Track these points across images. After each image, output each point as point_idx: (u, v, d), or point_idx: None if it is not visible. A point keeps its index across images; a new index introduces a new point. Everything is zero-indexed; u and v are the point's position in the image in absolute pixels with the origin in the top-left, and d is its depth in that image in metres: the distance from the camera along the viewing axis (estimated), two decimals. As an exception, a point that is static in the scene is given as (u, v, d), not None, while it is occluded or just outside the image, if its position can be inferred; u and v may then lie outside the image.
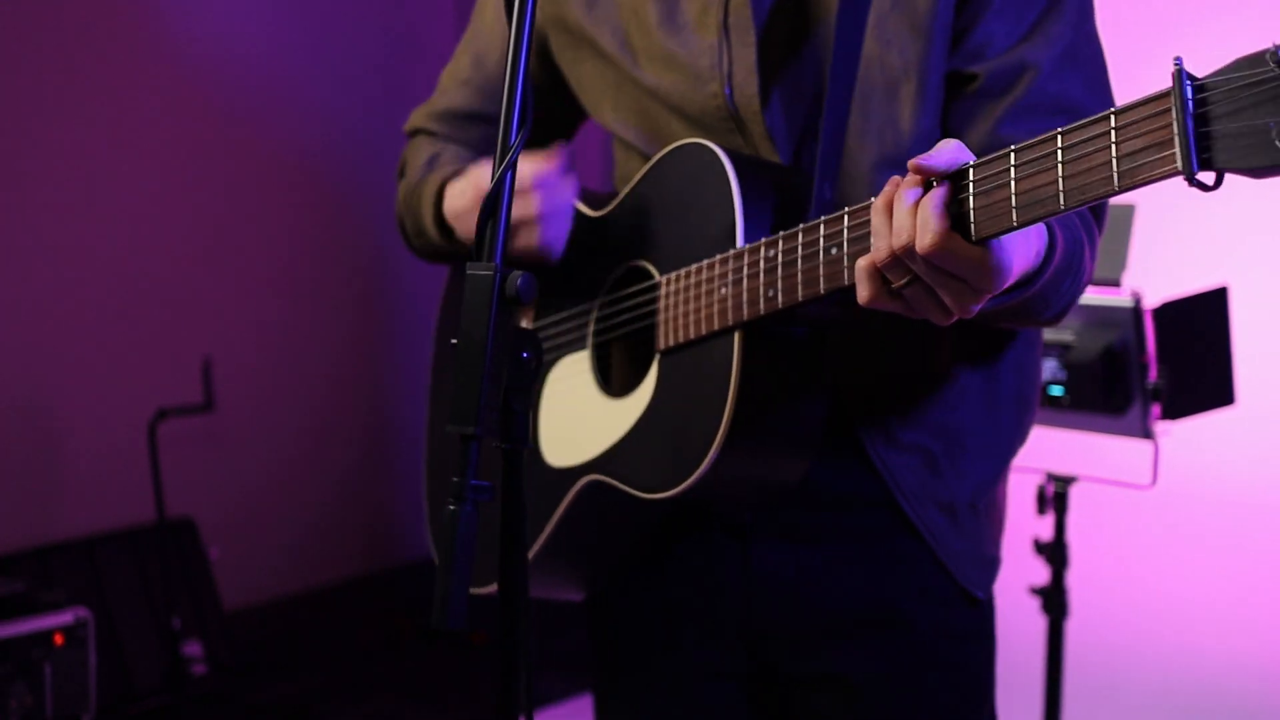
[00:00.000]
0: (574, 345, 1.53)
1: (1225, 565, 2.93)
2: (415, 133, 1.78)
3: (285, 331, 4.47)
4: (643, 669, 1.55)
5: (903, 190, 1.10)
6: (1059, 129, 1.02)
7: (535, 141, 1.69)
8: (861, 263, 1.14)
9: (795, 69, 1.40)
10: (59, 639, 3.14)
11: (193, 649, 3.74)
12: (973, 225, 1.07)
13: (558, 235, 1.48)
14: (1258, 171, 0.88)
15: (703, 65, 1.43)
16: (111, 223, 3.96)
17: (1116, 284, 2.25)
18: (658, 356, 1.40)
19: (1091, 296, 2.22)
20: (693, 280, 1.35)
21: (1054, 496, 2.42)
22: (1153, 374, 2.16)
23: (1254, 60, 0.88)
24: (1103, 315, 2.22)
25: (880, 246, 1.12)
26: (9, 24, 3.70)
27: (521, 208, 1.44)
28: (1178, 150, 0.91)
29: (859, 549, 1.43)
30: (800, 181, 1.38)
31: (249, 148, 4.34)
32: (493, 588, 1.42)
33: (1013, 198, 1.05)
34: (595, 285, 1.52)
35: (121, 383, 3.97)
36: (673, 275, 1.38)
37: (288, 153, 4.46)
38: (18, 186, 3.76)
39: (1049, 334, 2.23)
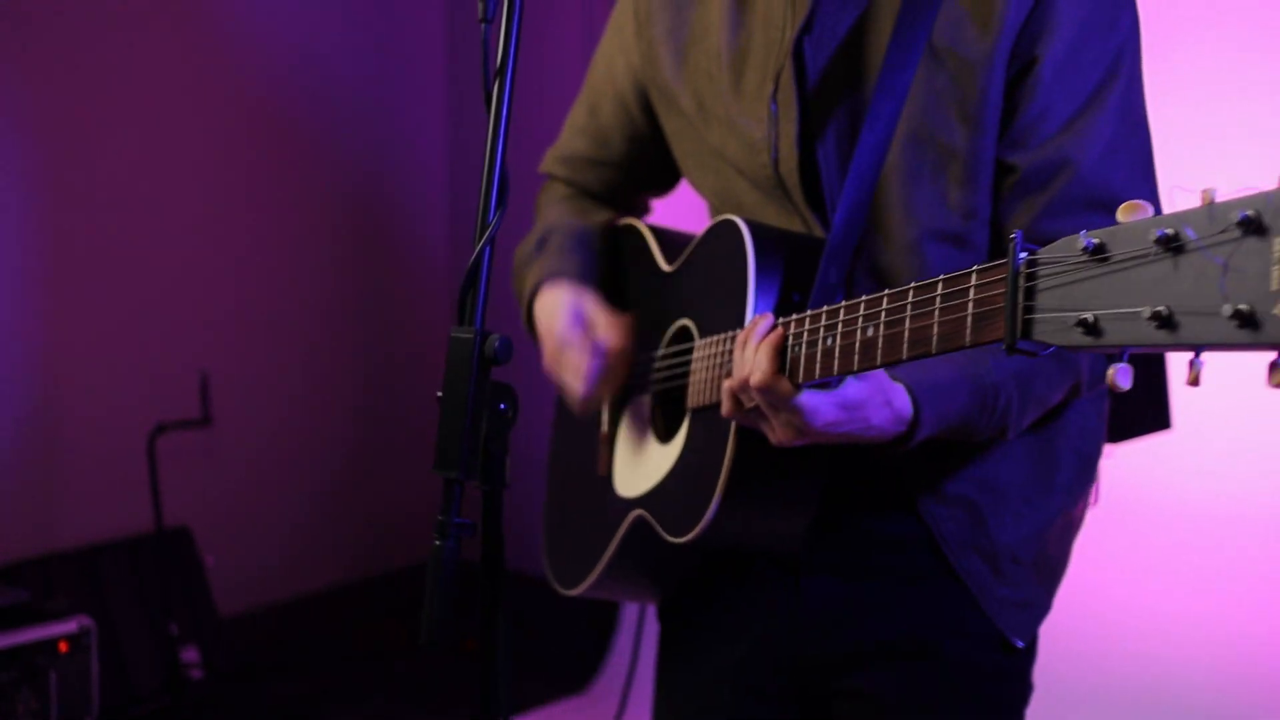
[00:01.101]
0: (643, 387, 1.68)
1: (1165, 575, 3.06)
2: (548, 177, 1.92)
3: (279, 347, 4.52)
4: (695, 675, 1.68)
5: (754, 328, 1.29)
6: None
7: (645, 184, 1.88)
8: (725, 384, 1.32)
9: (846, 141, 1.48)
10: (63, 646, 3.25)
11: (190, 654, 3.82)
12: (800, 371, 1.25)
13: (586, 395, 1.62)
14: (1067, 349, 0.97)
15: (756, 135, 1.54)
16: (112, 241, 4.02)
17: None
18: (689, 412, 1.53)
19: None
20: (713, 350, 1.47)
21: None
22: (1094, 401, 2.31)
23: (1068, 243, 0.97)
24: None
25: (733, 374, 1.31)
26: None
27: (575, 361, 1.60)
28: (1004, 321, 1.01)
29: (903, 588, 1.52)
30: (817, 255, 1.46)
31: (249, 169, 4.40)
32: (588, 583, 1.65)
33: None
34: (660, 333, 1.66)
35: (122, 397, 4.02)
36: (703, 341, 1.51)
37: (287, 172, 4.51)
38: (18, 204, 3.82)
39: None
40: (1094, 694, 3.15)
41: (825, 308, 1.25)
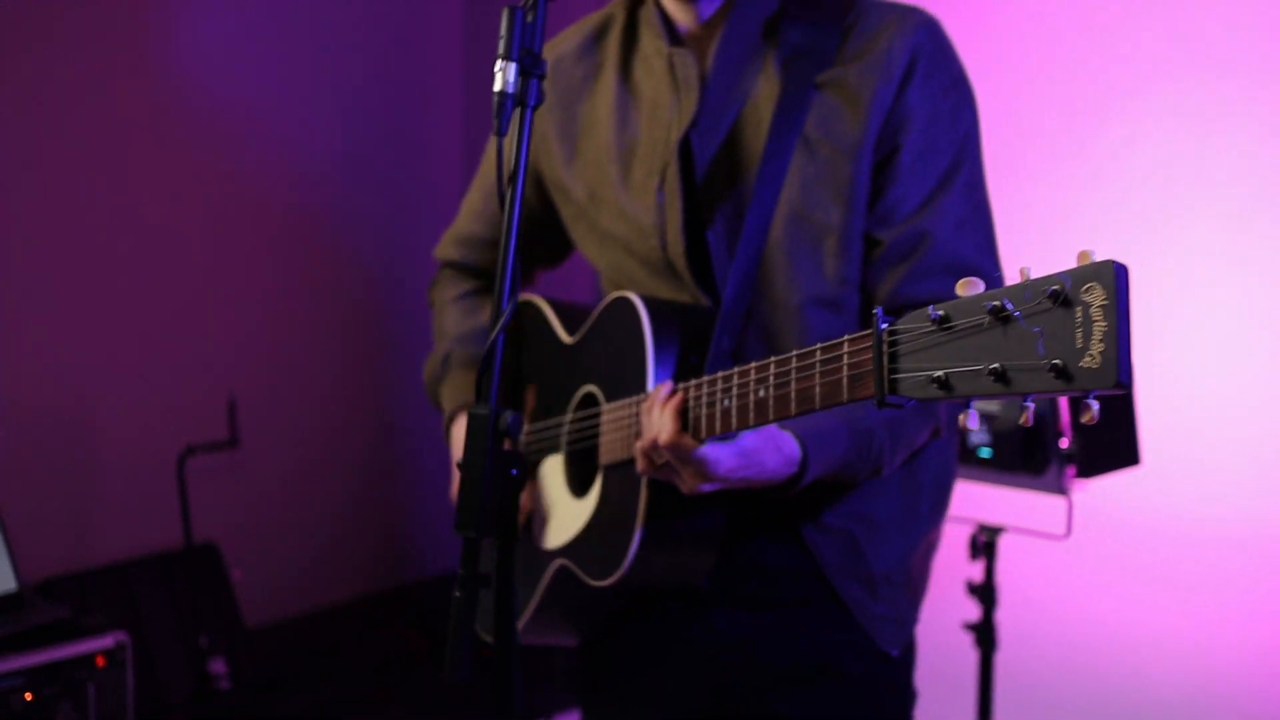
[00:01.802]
0: (554, 448, 1.80)
1: (1130, 601, 3.22)
2: (444, 264, 2.06)
3: (301, 371, 4.64)
4: (621, 709, 1.81)
5: (657, 395, 1.45)
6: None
7: (537, 260, 2.01)
8: (637, 444, 1.48)
9: (729, 225, 1.64)
10: (101, 661, 3.39)
11: (218, 666, 3.91)
12: (703, 428, 1.42)
13: None
14: (926, 401, 1.14)
15: (645, 222, 1.69)
16: (144, 274, 4.15)
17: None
18: (602, 469, 1.66)
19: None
20: (619, 414, 1.61)
21: (984, 544, 2.70)
22: (1064, 441, 2.47)
23: (920, 315, 1.13)
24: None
25: (643, 435, 1.47)
26: (25, 67, 3.88)
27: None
28: (874, 381, 1.18)
29: (796, 615, 1.68)
30: (710, 325, 1.61)
31: (269, 200, 4.52)
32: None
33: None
34: (566, 399, 1.78)
35: (153, 420, 4.14)
36: (609, 405, 1.64)
37: (305, 205, 4.64)
38: (53, 238, 3.94)
39: (980, 404, 2.53)
40: (1079, 713, 3.30)
41: (720, 373, 1.41)
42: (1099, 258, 1.01)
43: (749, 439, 1.44)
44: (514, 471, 1.44)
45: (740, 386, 1.37)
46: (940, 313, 1.11)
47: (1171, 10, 3.22)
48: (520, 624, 1.82)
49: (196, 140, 4.30)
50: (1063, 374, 1.00)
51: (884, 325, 1.17)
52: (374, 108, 4.88)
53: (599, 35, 1.82)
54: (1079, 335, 1.00)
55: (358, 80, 4.82)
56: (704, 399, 1.42)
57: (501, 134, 1.40)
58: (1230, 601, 3.11)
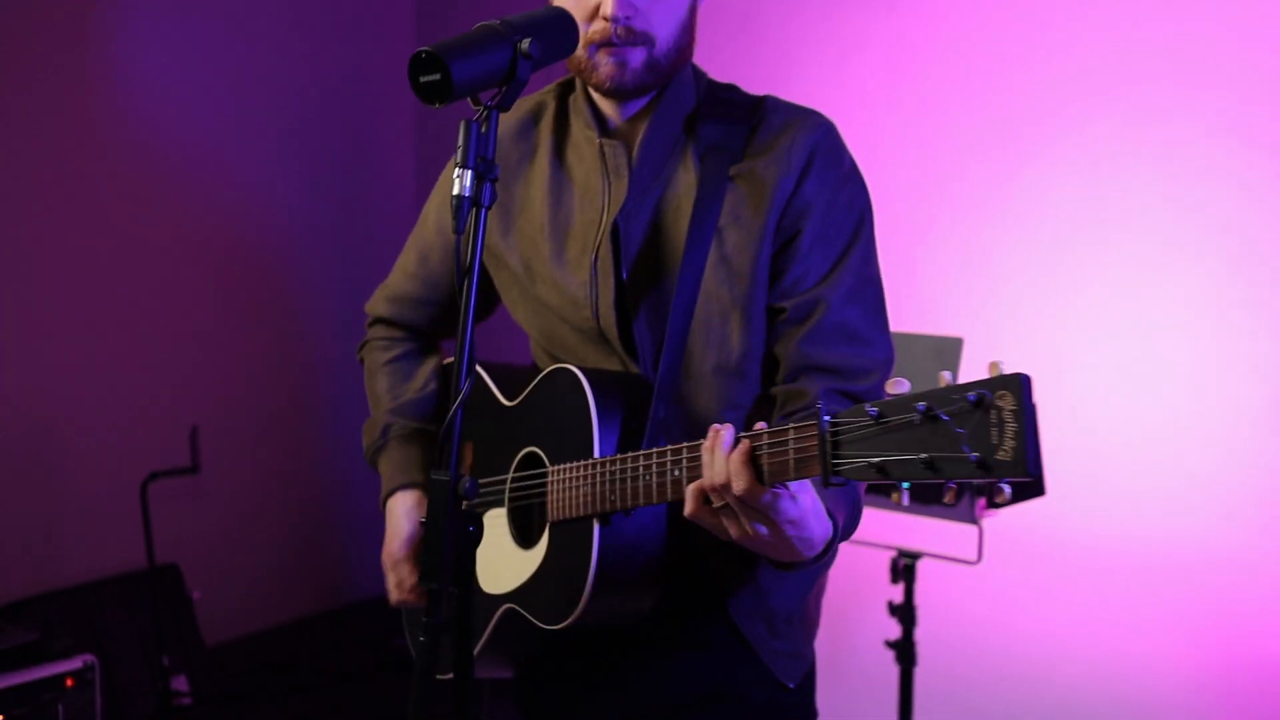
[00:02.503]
0: (498, 502, 1.95)
1: (1037, 617, 3.46)
2: (375, 321, 2.19)
3: (259, 399, 4.77)
4: None
5: (719, 437, 1.50)
6: (766, 429, 1.45)
7: (477, 309, 2.17)
8: (691, 487, 1.52)
9: (654, 300, 1.81)
10: (69, 682, 3.49)
11: (180, 683, 4.04)
12: (766, 475, 1.47)
13: (396, 604, 2.04)
14: (865, 481, 1.31)
15: (579, 295, 1.84)
16: (107, 306, 4.26)
17: (948, 402, 2.76)
18: (549, 524, 1.81)
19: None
20: (566, 476, 1.75)
21: (904, 569, 2.90)
22: (975, 477, 2.68)
23: (859, 410, 1.29)
24: (938, 427, 2.73)
25: (708, 476, 1.49)
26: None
27: (399, 578, 1.98)
28: (820, 465, 1.35)
29: (708, 650, 1.84)
30: (645, 392, 1.77)
31: (227, 235, 4.64)
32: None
33: (791, 459, 1.43)
34: (509, 459, 1.92)
35: (118, 449, 4.25)
36: (555, 468, 1.78)
37: (263, 239, 4.77)
38: (16, 270, 4.02)
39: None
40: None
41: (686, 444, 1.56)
42: (1006, 368, 1.21)
43: (807, 501, 1.51)
44: (471, 529, 1.62)
45: (774, 443, 1.46)
46: (876, 410, 1.29)
47: (1082, 50, 3.45)
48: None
49: (156, 174, 4.40)
50: (983, 465, 1.20)
51: (826, 419, 1.35)
52: (328, 138, 4.99)
53: (533, 120, 1.97)
54: (995, 433, 1.20)
55: (312, 111, 4.92)
56: (769, 448, 1.49)
57: (459, 233, 1.57)
58: (1129, 613, 3.35)
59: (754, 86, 1.91)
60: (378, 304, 2.20)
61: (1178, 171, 3.31)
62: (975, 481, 1.24)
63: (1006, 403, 1.19)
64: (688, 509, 1.56)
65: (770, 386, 1.82)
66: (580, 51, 1.79)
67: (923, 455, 1.25)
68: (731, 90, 1.89)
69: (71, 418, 4.21)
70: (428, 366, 2.14)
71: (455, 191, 1.58)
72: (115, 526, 4.21)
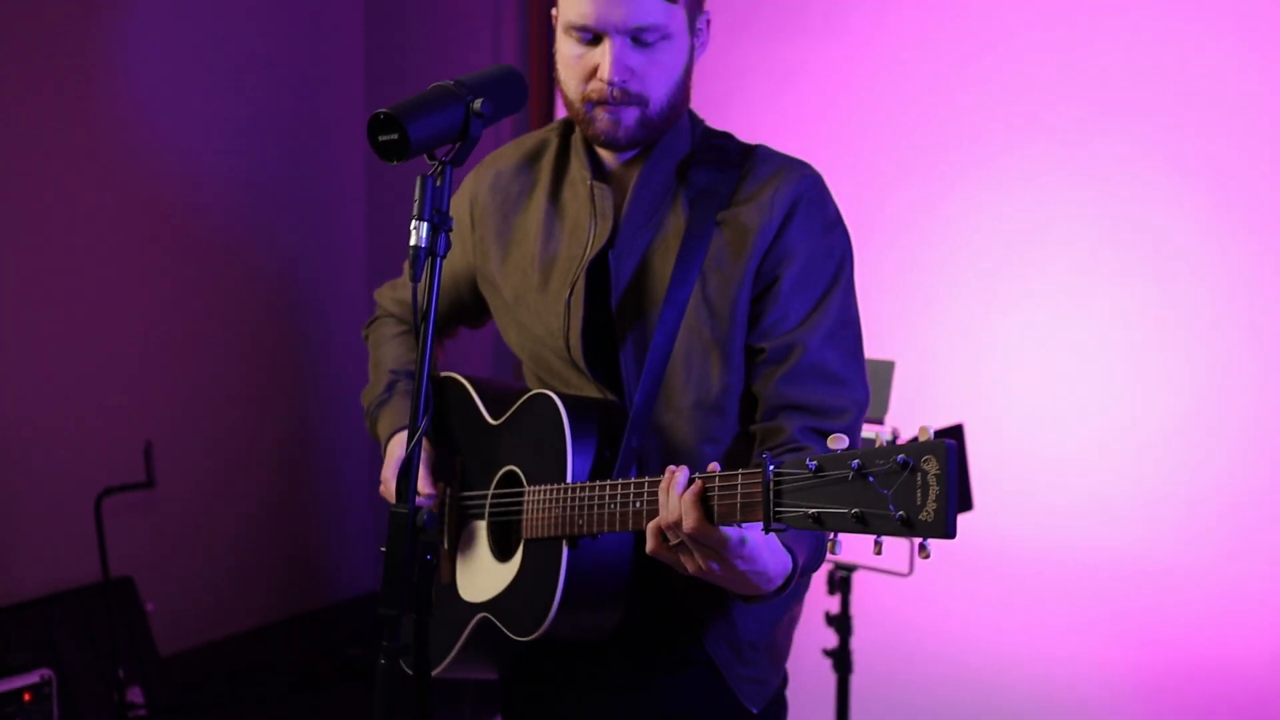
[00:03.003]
0: (479, 515, 2.06)
1: (967, 624, 3.61)
2: (382, 313, 2.30)
3: (213, 413, 4.82)
4: None
5: (674, 477, 1.60)
6: (717, 473, 1.55)
7: (459, 325, 2.28)
8: (650, 525, 1.62)
9: (639, 335, 1.90)
10: (27, 696, 3.56)
11: (135, 695, 4.08)
12: (716, 515, 1.57)
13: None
14: (802, 529, 1.42)
15: (555, 326, 1.95)
16: (65, 319, 4.30)
17: (880, 423, 2.90)
18: (524, 540, 1.91)
19: (863, 431, 2.87)
20: (540, 497, 1.85)
21: (840, 581, 3.04)
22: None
23: (799, 462, 1.39)
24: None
25: (662, 514, 1.59)
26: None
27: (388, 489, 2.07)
28: (762, 512, 1.46)
29: (678, 672, 1.94)
30: (621, 421, 1.87)
31: (185, 260, 4.69)
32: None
33: (738, 503, 1.53)
34: (490, 474, 2.03)
35: (72, 464, 4.29)
36: (531, 489, 1.88)
37: (219, 263, 4.82)
38: None
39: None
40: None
41: (648, 478, 1.66)
42: (933, 433, 1.33)
43: (760, 539, 1.59)
44: (429, 556, 1.72)
45: (725, 486, 1.56)
46: (815, 464, 1.41)
47: (1012, 74, 3.60)
48: (446, 662, 2.08)
49: (107, 190, 4.44)
50: (907, 524, 1.31)
51: (770, 468, 1.47)
52: (292, 169, 5.06)
53: (536, 155, 2.09)
54: (919, 495, 1.31)
55: (271, 144, 4.98)
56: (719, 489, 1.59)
57: (416, 280, 1.67)
58: (1056, 619, 3.51)
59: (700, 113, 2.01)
60: (385, 298, 2.31)
61: (1103, 194, 3.47)
62: (900, 538, 1.35)
63: (932, 467, 1.30)
64: (648, 546, 1.65)
65: (749, 423, 1.91)
66: (579, 105, 1.90)
67: (854, 510, 1.36)
68: (726, 138, 1.99)
69: (25, 433, 4.24)
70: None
71: (412, 243, 1.68)
72: (70, 541, 4.25)
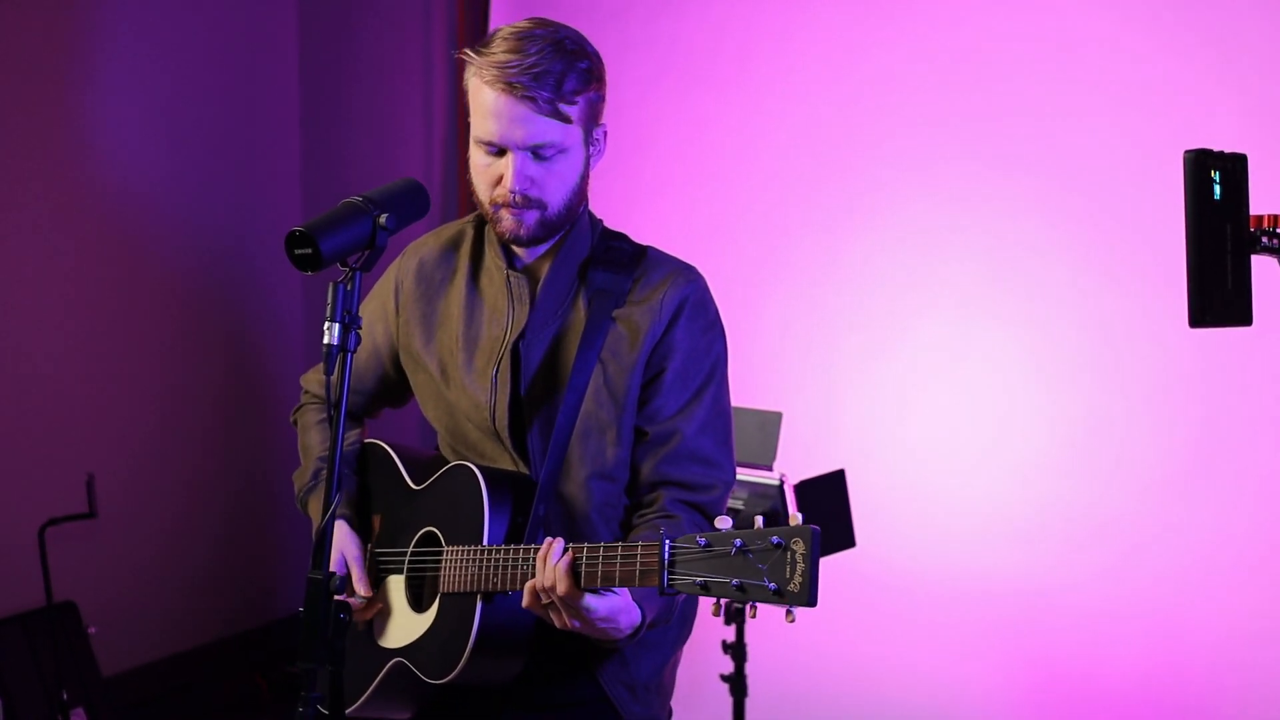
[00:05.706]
0: (398, 569, 2.29)
1: (857, 647, 3.90)
2: (308, 393, 2.52)
3: (156, 442, 4.92)
4: None
5: (551, 548, 1.91)
6: (620, 543, 1.86)
7: (383, 405, 2.52)
8: (526, 586, 1.95)
9: (545, 415, 2.18)
10: None
11: (78, 716, 4.20)
12: (584, 580, 1.90)
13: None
14: (699, 595, 1.73)
15: (481, 400, 2.21)
16: (3, 353, 4.38)
17: (769, 468, 3.16)
18: (440, 594, 2.16)
19: (753, 476, 3.14)
20: (458, 557, 2.10)
21: (735, 611, 3.28)
22: (792, 533, 3.07)
23: (691, 539, 1.72)
24: (761, 489, 3.12)
25: (538, 579, 1.90)
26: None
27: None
28: (658, 579, 1.77)
29: (578, 708, 2.19)
30: (530, 491, 2.13)
31: (126, 292, 4.76)
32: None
33: (637, 569, 1.84)
34: (409, 532, 2.28)
35: (13, 496, 4.39)
36: (450, 548, 2.13)
37: (160, 296, 4.90)
38: None
39: (732, 500, 3.12)
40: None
41: (587, 545, 1.91)
42: (802, 520, 1.65)
43: (616, 601, 1.90)
44: (342, 616, 1.95)
45: (590, 557, 1.88)
46: (705, 541, 1.73)
47: (898, 130, 3.87)
48: (359, 702, 2.31)
49: (49, 219, 4.52)
50: (778, 594, 1.65)
51: (668, 543, 1.77)
52: (229, 201, 5.17)
53: (455, 244, 2.34)
54: (788, 570, 1.64)
55: (211, 172, 5.08)
56: (586, 560, 1.91)
57: (329, 373, 1.92)
58: (942, 637, 3.79)
59: (610, 167, 2.29)
60: (311, 381, 2.55)
61: (983, 245, 3.75)
62: (772, 605, 1.68)
63: (799, 547, 1.64)
64: (524, 601, 1.96)
65: (633, 493, 2.21)
66: (487, 206, 2.18)
67: (735, 580, 1.69)
68: (621, 239, 2.27)
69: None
70: (354, 431, 2.48)
71: (326, 341, 1.93)
72: (13, 569, 4.35)
